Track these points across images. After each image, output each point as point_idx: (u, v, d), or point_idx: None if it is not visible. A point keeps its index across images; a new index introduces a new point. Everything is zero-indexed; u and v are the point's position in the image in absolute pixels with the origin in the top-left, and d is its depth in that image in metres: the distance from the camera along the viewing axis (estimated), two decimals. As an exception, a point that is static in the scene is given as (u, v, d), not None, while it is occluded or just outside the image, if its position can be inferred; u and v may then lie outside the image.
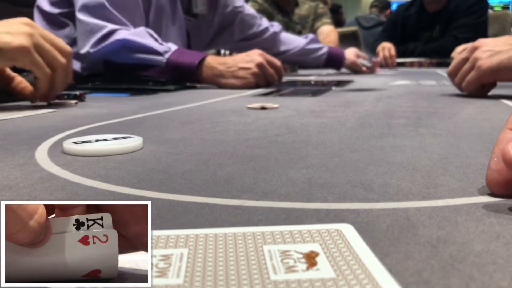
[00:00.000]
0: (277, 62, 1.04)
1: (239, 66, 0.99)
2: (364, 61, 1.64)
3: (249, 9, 1.44)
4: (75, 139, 0.37)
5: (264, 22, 1.47)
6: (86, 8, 0.96)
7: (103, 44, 0.95)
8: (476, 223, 0.20)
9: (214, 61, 1.00)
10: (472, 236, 0.19)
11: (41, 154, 0.35)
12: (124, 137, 0.38)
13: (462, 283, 0.15)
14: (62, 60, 0.62)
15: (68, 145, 0.35)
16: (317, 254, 0.16)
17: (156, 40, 0.98)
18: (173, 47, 0.98)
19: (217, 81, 1.00)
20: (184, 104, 0.69)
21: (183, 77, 0.98)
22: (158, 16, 1.10)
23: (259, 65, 0.99)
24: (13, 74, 0.66)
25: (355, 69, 1.64)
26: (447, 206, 0.23)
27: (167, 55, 0.96)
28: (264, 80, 1.01)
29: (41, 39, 0.59)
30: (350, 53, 1.64)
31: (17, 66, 0.59)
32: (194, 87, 1.00)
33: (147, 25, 1.06)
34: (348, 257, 0.16)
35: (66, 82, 0.65)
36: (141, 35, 0.96)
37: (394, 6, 3.79)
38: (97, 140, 0.37)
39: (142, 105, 0.69)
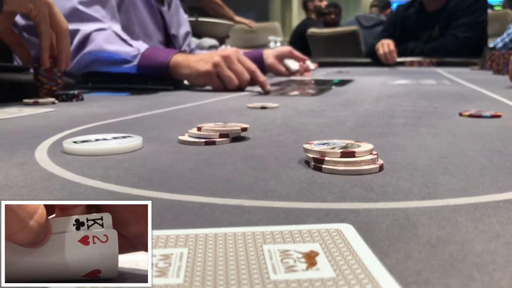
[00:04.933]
0: (250, 64, 0.90)
1: (198, 61, 0.91)
2: (289, 62, 1.33)
3: None
4: (75, 139, 0.37)
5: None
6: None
7: (76, 59, 0.93)
8: (476, 223, 0.20)
9: (179, 58, 0.94)
10: (472, 236, 0.19)
11: (41, 153, 0.35)
12: (124, 137, 0.38)
13: (462, 283, 0.15)
14: (64, 25, 0.69)
15: (68, 144, 0.35)
16: (317, 254, 0.16)
17: (125, 41, 0.95)
18: (142, 47, 0.95)
19: (181, 75, 0.94)
20: (184, 104, 0.69)
21: (156, 77, 0.94)
22: (133, 9, 1.09)
23: (215, 64, 0.89)
24: (19, 38, 0.72)
25: (275, 72, 1.33)
26: (447, 206, 0.23)
27: (136, 60, 0.93)
28: (217, 82, 0.90)
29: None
30: (269, 54, 1.31)
31: (30, 14, 0.65)
32: (193, 86, 1.00)
33: (120, 20, 1.03)
34: (348, 257, 0.16)
35: (67, 55, 0.71)
36: (109, 39, 0.93)
37: (394, 6, 3.79)
38: (97, 140, 0.37)
39: (142, 104, 0.69)
